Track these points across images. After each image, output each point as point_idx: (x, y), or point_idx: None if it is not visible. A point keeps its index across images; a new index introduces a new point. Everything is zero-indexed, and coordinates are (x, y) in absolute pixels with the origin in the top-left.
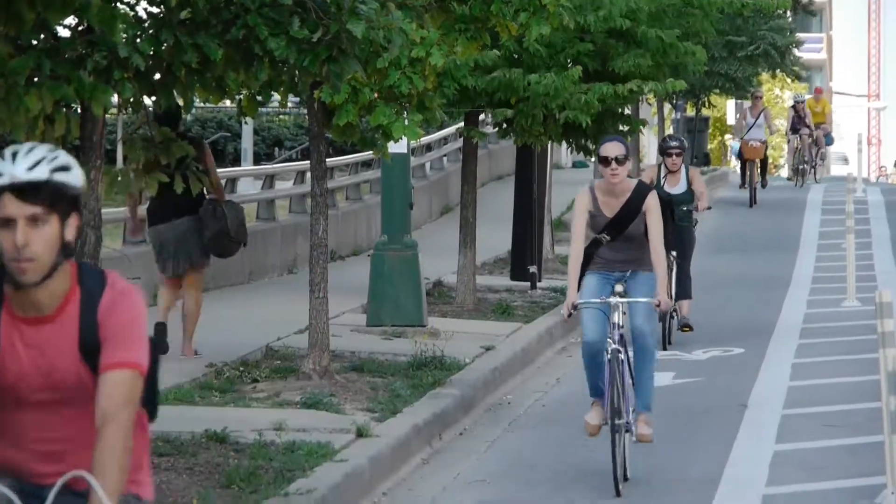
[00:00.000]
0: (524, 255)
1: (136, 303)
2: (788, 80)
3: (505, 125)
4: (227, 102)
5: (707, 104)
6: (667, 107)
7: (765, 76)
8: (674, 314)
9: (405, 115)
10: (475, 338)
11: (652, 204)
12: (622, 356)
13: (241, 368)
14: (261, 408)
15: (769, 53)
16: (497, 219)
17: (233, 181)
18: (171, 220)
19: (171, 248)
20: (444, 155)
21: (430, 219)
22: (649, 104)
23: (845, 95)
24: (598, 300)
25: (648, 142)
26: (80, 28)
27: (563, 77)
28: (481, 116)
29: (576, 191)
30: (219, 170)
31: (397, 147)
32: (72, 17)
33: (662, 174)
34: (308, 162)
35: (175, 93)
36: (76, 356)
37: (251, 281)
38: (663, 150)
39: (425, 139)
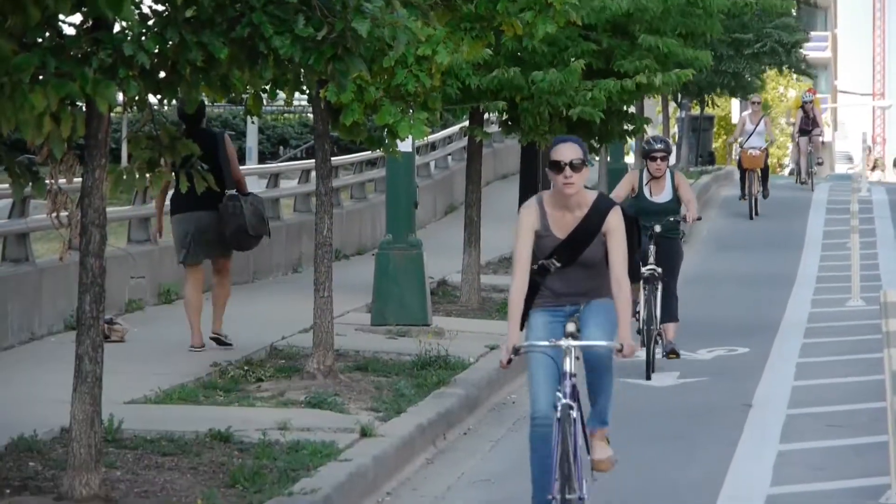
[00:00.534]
0: None
1: None
2: (794, 78)
3: (510, 123)
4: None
5: (711, 104)
6: (671, 105)
7: (771, 73)
8: (658, 339)
9: (410, 114)
10: (480, 337)
11: (614, 223)
12: (574, 414)
13: (246, 368)
14: (265, 407)
15: (776, 51)
16: (502, 218)
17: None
18: (193, 212)
19: (192, 238)
20: (449, 154)
21: (434, 218)
22: (655, 102)
23: (850, 94)
24: (547, 343)
25: None
26: (85, 26)
27: (566, 72)
28: (486, 115)
29: None
30: None
31: (402, 146)
32: (78, 13)
33: (645, 180)
34: (313, 161)
35: (180, 91)
36: None
37: (256, 280)
38: (646, 154)
39: (430, 138)
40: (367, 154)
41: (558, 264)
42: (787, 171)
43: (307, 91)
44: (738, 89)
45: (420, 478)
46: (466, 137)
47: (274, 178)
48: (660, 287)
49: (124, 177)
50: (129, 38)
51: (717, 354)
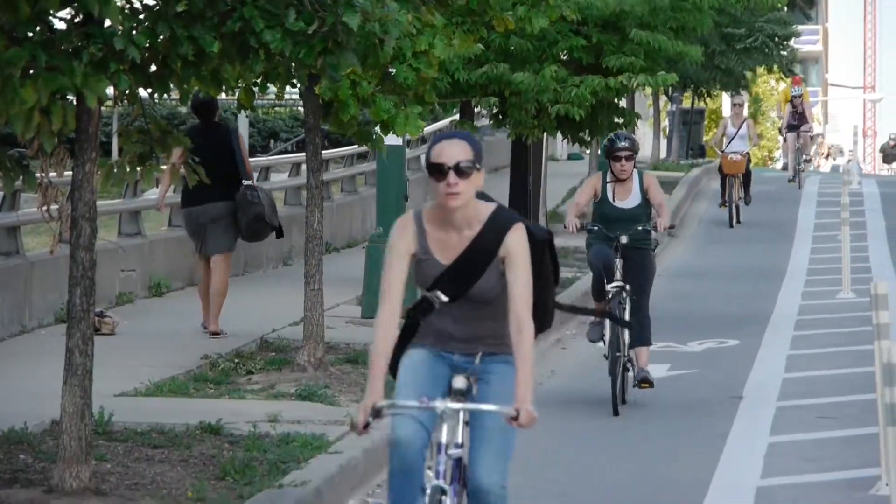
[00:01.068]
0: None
1: None
2: (783, 76)
3: (500, 116)
4: (224, 95)
5: (705, 95)
6: (662, 98)
7: (760, 70)
8: (629, 366)
9: (404, 108)
10: None
11: (516, 245)
12: (449, 503)
13: (236, 360)
14: (255, 400)
15: (766, 45)
16: None
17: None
18: (205, 204)
19: (202, 230)
20: None
21: None
22: (645, 96)
23: (841, 87)
24: (419, 403)
25: (644, 134)
26: (76, 20)
27: (540, 76)
28: (476, 109)
29: (571, 183)
30: None
31: (392, 139)
32: (68, 7)
33: (609, 182)
34: (303, 154)
35: (171, 85)
36: None
37: (246, 273)
38: (609, 152)
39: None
40: (357, 147)
41: (445, 298)
42: (779, 165)
43: (298, 85)
44: (730, 84)
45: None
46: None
47: (265, 172)
48: (628, 307)
49: (115, 170)
50: (119, 32)
51: (708, 347)
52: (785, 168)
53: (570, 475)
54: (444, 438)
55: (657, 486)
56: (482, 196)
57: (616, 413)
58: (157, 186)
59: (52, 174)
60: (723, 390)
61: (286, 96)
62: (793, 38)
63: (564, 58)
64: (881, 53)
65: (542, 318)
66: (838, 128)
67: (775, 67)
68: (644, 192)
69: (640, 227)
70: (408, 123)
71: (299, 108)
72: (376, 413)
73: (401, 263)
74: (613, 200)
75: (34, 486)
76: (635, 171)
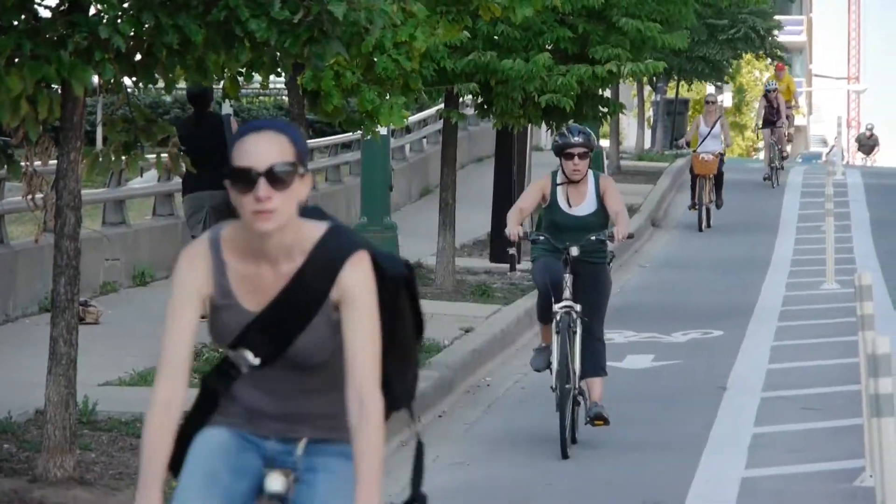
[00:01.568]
0: (503, 238)
1: None
2: (769, 62)
3: (485, 106)
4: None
5: (689, 85)
6: (647, 89)
7: (746, 57)
8: (580, 399)
9: (388, 98)
10: (454, 319)
11: (357, 284)
12: None
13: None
14: None
15: (749, 37)
16: (477, 201)
17: None
18: (209, 190)
19: (203, 216)
20: (424, 136)
21: (409, 201)
22: (630, 85)
23: (825, 78)
24: None
25: (628, 124)
26: (60, 9)
27: (532, 62)
28: (461, 98)
29: None
30: None
31: (378, 129)
32: None
33: (559, 184)
34: None
35: (156, 74)
36: None
37: None
38: (560, 149)
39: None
40: (342, 137)
41: (254, 361)
42: (762, 156)
43: (283, 74)
44: (713, 74)
45: (394, 461)
46: (441, 120)
47: None
48: (579, 330)
49: (100, 159)
50: (104, 20)
51: (692, 337)
52: (766, 179)
53: (554, 465)
54: None
55: (641, 478)
56: (310, 213)
57: (565, 455)
58: (142, 176)
59: (37, 163)
60: (707, 381)
61: (271, 85)
62: (776, 31)
63: (550, 48)
64: (865, 44)
65: (397, 390)
66: (822, 118)
67: (761, 53)
68: (600, 198)
69: (593, 238)
70: (392, 114)
71: (284, 97)
72: None
73: (189, 313)
74: (564, 206)
75: (18, 476)
76: (591, 172)
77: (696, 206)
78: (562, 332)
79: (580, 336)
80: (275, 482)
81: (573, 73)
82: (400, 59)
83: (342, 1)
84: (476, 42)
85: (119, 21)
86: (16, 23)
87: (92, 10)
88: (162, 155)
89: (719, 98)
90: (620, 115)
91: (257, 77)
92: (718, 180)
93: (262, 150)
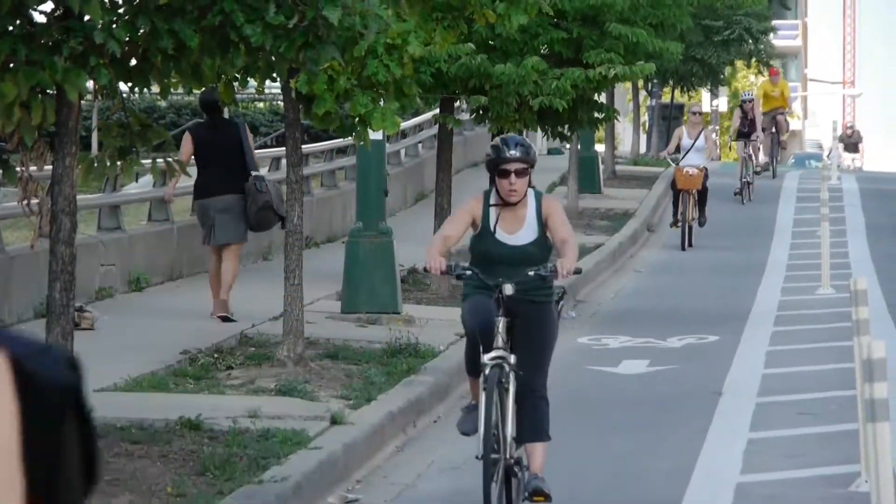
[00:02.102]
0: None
1: None
2: (763, 68)
3: (481, 112)
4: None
5: (688, 89)
6: (642, 94)
7: (739, 63)
8: (516, 470)
9: (382, 103)
10: (450, 325)
11: None
12: None
13: (216, 355)
14: (235, 395)
15: (743, 38)
16: None
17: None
18: (218, 195)
19: (214, 221)
20: (420, 141)
21: (404, 206)
22: (625, 89)
23: (820, 83)
24: None
25: (623, 129)
26: (56, 14)
27: (523, 67)
28: (456, 103)
29: (550, 178)
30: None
31: (373, 133)
32: (48, 1)
33: (493, 206)
34: (283, 148)
35: (151, 79)
36: None
37: None
38: (494, 164)
39: (400, 126)
40: (337, 142)
41: None
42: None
43: (278, 79)
44: (708, 79)
45: (390, 466)
46: (437, 125)
47: None
48: (511, 387)
49: (95, 165)
50: (99, 26)
51: (687, 342)
52: (736, 194)
53: (549, 470)
54: None
55: (637, 482)
56: None
57: None
58: (137, 181)
59: (33, 168)
60: (702, 386)
61: (266, 91)
62: (770, 33)
63: (545, 51)
64: (860, 48)
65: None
66: (818, 123)
67: (753, 61)
68: (542, 223)
69: (532, 273)
70: (385, 119)
71: (279, 102)
72: None
73: None
74: (498, 233)
75: None
76: (531, 192)
77: (679, 224)
78: (489, 388)
79: (513, 394)
80: None
81: (567, 77)
82: (391, 65)
83: (337, 6)
84: (471, 46)
85: (114, 26)
86: (11, 28)
87: (87, 16)
88: (157, 160)
89: (715, 103)
90: (616, 120)
91: (252, 82)
92: (702, 196)
93: None
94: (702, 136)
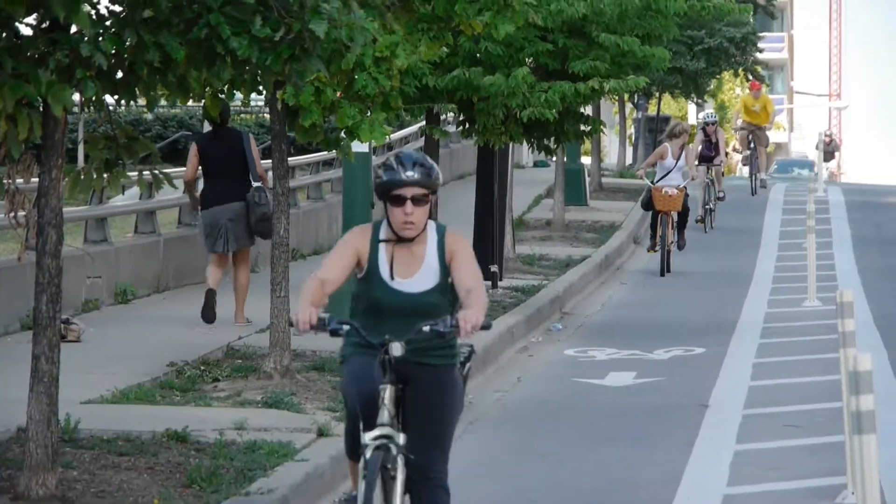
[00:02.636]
0: (485, 255)
1: None
2: (748, 79)
3: (467, 124)
4: (190, 102)
5: (670, 94)
6: (628, 106)
7: (727, 75)
8: None
9: (369, 115)
10: None
11: None
12: None
13: (202, 367)
14: (222, 407)
15: (724, 47)
16: (458, 218)
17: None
18: (225, 203)
19: (223, 228)
20: None
21: None
22: (612, 102)
23: (806, 95)
24: None
25: (609, 142)
26: (42, 26)
27: (512, 78)
28: (442, 115)
29: (537, 190)
30: (180, 169)
31: (359, 146)
32: (34, 14)
33: (382, 242)
34: (270, 161)
35: (137, 91)
36: None
37: None
38: (385, 189)
39: (387, 138)
40: (323, 154)
41: None
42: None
43: (264, 92)
44: (690, 87)
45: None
46: (423, 138)
47: None
48: (400, 475)
49: (82, 177)
50: (86, 38)
51: (674, 354)
52: (698, 221)
53: (537, 483)
54: None
55: (624, 495)
56: None
57: None
58: (124, 193)
59: (20, 180)
60: (689, 398)
61: (252, 103)
62: (753, 40)
63: (531, 63)
64: (847, 61)
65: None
66: (804, 135)
67: (740, 71)
68: (445, 265)
69: (427, 328)
70: (373, 130)
71: (265, 114)
72: None
73: None
74: (388, 277)
75: (0, 494)
76: (432, 225)
77: (657, 248)
78: (371, 476)
79: (402, 483)
80: None
81: (555, 91)
82: (379, 78)
83: (323, 19)
84: (457, 59)
85: (100, 39)
86: None
87: (73, 28)
88: (144, 172)
89: (700, 115)
90: (602, 132)
91: (238, 95)
92: (682, 218)
93: None
94: (683, 154)
